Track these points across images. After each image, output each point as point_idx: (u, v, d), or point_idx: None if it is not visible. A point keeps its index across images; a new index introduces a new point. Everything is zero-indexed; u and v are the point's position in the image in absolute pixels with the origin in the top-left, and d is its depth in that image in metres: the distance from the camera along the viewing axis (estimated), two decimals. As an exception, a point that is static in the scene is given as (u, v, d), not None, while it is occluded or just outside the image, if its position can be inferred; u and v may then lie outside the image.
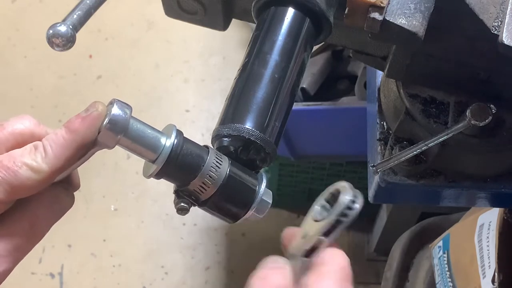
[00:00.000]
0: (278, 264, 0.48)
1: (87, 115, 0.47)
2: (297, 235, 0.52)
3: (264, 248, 1.78)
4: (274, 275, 0.47)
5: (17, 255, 0.47)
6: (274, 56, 0.56)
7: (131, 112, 0.49)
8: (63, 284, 1.85)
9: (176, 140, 0.50)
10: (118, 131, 0.48)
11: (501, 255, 1.03)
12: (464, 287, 1.15)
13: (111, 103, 0.49)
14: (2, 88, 2.21)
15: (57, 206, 0.49)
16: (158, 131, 0.51)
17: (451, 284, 1.18)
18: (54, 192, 0.49)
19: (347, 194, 0.50)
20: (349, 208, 0.50)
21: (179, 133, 0.51)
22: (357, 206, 0.51)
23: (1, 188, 0.45)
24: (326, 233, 0.50)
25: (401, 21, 0.55)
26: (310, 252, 0.50)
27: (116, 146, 0.49)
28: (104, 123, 0.47)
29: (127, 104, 0.49)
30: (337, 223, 0.50)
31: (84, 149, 0.48)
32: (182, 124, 2.10)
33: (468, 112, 0.63)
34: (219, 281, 1.86)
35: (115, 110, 0.48)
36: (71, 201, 0.51)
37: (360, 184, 1.95)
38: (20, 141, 0.49)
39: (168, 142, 0.50)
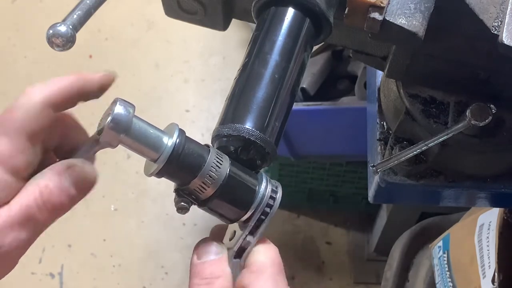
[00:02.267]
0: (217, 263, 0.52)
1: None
2: (226, 234, 0.55)
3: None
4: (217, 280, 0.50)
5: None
6: (274, 56, 0.56)
7: (134, 111, 0.48)
8: (63, 284, 1.85)
9: (178, 140, 0.50)
10: (121, 130, 0.47)
11: (501, 255, 1.03)
12: (464, 287, 1.15)
13: (114, 102, 0.48)
14: (2, 88, 2.21)
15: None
16: (161, 130, 0.50)
17: (451, 284, 1.18)
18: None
19: (268, 187, 0.52)
20: (272, 198, 0.52)
21: (181, 132, 0.51)
22: (278, 196, 0.53)
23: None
24: (253, 229, 0.52)
25: (401, 21, 0.55)
26: (241, 252, 0.52)
27: (117, 146, 0.49)
28: (107, 122, 0.47)
29: (130, 103, 0.49)
30: (262, 216, 0.52)
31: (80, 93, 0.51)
32: (182, 124, 2.06)
33: (468, 112, 0.63)
34: (219, 281, 1.86)
35: (118, 109, 0.47)
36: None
37: (360, 184, 1.95)
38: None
39: (170, 141, 0.50)
